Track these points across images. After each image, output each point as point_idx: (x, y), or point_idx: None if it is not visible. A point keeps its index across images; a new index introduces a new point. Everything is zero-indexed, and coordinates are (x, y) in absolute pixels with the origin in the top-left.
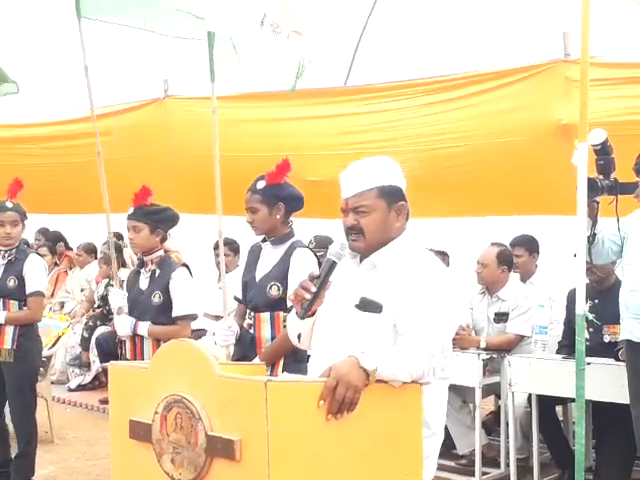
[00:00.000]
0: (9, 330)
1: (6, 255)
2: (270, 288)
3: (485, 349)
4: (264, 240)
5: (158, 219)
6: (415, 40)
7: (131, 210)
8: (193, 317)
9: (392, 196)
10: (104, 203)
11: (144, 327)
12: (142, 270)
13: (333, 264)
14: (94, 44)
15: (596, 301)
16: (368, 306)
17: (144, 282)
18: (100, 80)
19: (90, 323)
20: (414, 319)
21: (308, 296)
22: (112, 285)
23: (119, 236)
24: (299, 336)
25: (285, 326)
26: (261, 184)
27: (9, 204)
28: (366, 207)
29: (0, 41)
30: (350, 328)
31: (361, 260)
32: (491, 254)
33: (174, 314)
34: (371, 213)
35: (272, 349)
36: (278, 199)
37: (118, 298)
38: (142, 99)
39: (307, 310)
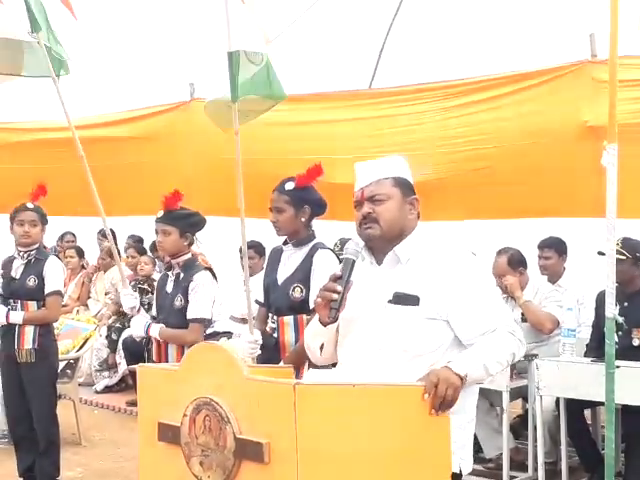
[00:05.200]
0: (29, 330)
1: (25, 256)
2: (293, 290)
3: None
4: (285, 243)
5: (187, 223)
6: (440, 42)
7: (160, 213)
8: (205, 321)
9: (407, 188)
10: (98, 206)
11: (155, 329)
12: (169, 273)
13: (353, 262)
14: (121, 47)
15: (625, 304)
16: (404, 300)
17: (170, 285)
18: (127, 84)
19: (118, 325)
20: (477, 311)
21: (335, 296)
22: (148, 285)
23: (140, 239)
24: (321, 347)
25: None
26: (290, 185)
27: (30, 205)
28: (382, 195)
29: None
30: (386, 325)
31: (377, 258)
32: (502, 263)
33: (187, 316)
34: (387, 201)
35: (296, 352)
36: (305, 202)
37: (129, 299)
38: (168, 102)
39: (338, 310)
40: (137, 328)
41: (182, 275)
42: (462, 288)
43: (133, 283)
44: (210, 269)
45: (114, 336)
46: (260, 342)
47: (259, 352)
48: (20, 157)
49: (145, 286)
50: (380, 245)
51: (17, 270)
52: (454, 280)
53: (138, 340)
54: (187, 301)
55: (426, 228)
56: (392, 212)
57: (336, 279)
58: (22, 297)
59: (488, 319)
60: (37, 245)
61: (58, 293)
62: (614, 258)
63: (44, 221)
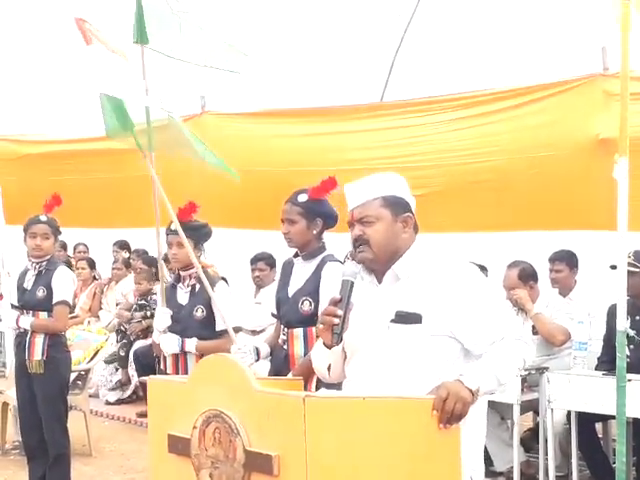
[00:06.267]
0: (39, 341)
1: (36, 267)
2: (302, 303)
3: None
4: (296, 255)
5: (200, 235)
6: (451, 55)
7: (174, 225)
8: (237, 329)
9: (397, 207)
10: (155, 220)
11: (192, 344)
12: (180, 285)
13: (352, 284)
14: (132, 60)
15: (637, 317)
16: (406, 318)
17: (183, 297)
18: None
19: (125, 340)
20: (483, 322)
21: (337, 320)
22: (145, 301)
23: (145, 252)
24: (329, 368)
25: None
26: (303, 197)
27: (43, 217)
28: (371, 217)
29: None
30: (391, 345)
31: (377, 277)
32: (513, 277)
33: (218, 328)
34: (376, 223)
35: (305, 365)
36: (317, 214)
37: (165, 318)
38: (179, 115)
39: (340, 335)
40: (170, 346)
41: (198, 286)
42: (465, 301)
43: (137, 298)
44: (224, 279)
45: (122, 352)
46: (245, 349)
47: (252, 360)
48: (30, 169)
49: (143, 302)
50: (376, 266)
51: (29, 281)
52: (456, 294)
53: (169, 356)
54: (209, 312)
55: (436, 240)
56: (382, 234)
57: (336, 303)
58: (33, 308)
59: (495, 328)
60: (48, 256)
61: (65, 303)
62: (625, 271)
63: (57, 233)
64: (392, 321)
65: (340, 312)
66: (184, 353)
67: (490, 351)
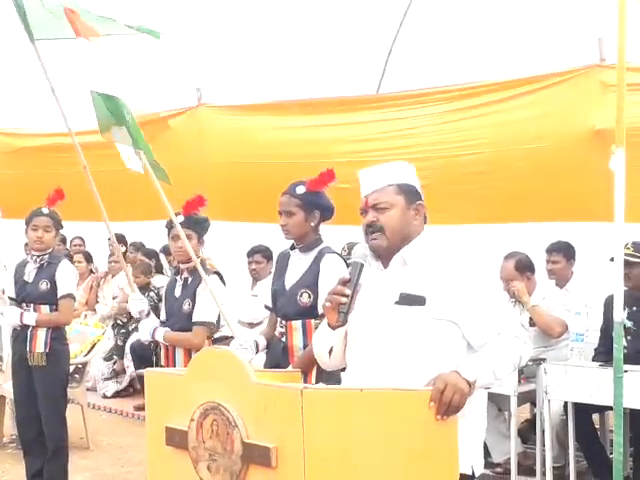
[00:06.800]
0: (41, 334)
1: (38, 260)
2: (301, 296)
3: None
4: (292, 247)
5: (202, 228)
6: (448, 47)
7: (181, 218)
8: (210, 324)
9: (410, 195)
10: (102, 213)
11: (160, 333)
12: (177, 278)
13: (362, 266)
14: (129, 53)
15: (634, 308)
16: (410, 300)
17: (178, 290)
18: (133, 89)
19: (123, 330)
20: (484, 313)
21: (344, 300)
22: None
23: (142, 244)
24: (330, 351)
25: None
26: (301, 189)
27: (45, 210)
28: (385, 203)
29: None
30: (393, 326)
31: (383, 263)
32: (510, 268)
33: (193, 319)
34: (390, 209)
35: (305, 357)
36: (315, 206)
37: (138, 303)
38: (176, 107)
39: (347, 314)
40: (144, 332)
41: (190, 279)
42: (469, 290)
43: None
44: (218, 273)
45: (119, 342)
46: (245, 345)
47: (252, 355)
48: (26, 162)
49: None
50: (387, 253)
51: (30, 274)
52: (461, 282)
53: (146, 344)
54: (195, 305)
55: (433, 232)
56: (395, 220)
57: (345, 283)
58: (35, 301)
59: (495, 321)
60: (50, 249)
61: (70, 296)
62: (622, 262)
63: (58, 226)
64: (396, 303)
65: (348, 292)
66: (173, 345)
67: (488, 345)
